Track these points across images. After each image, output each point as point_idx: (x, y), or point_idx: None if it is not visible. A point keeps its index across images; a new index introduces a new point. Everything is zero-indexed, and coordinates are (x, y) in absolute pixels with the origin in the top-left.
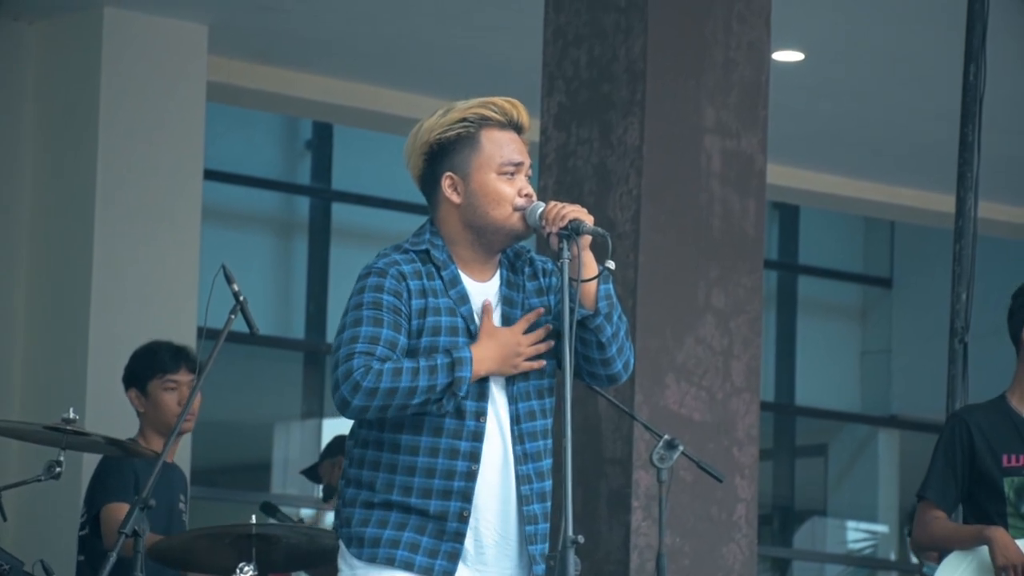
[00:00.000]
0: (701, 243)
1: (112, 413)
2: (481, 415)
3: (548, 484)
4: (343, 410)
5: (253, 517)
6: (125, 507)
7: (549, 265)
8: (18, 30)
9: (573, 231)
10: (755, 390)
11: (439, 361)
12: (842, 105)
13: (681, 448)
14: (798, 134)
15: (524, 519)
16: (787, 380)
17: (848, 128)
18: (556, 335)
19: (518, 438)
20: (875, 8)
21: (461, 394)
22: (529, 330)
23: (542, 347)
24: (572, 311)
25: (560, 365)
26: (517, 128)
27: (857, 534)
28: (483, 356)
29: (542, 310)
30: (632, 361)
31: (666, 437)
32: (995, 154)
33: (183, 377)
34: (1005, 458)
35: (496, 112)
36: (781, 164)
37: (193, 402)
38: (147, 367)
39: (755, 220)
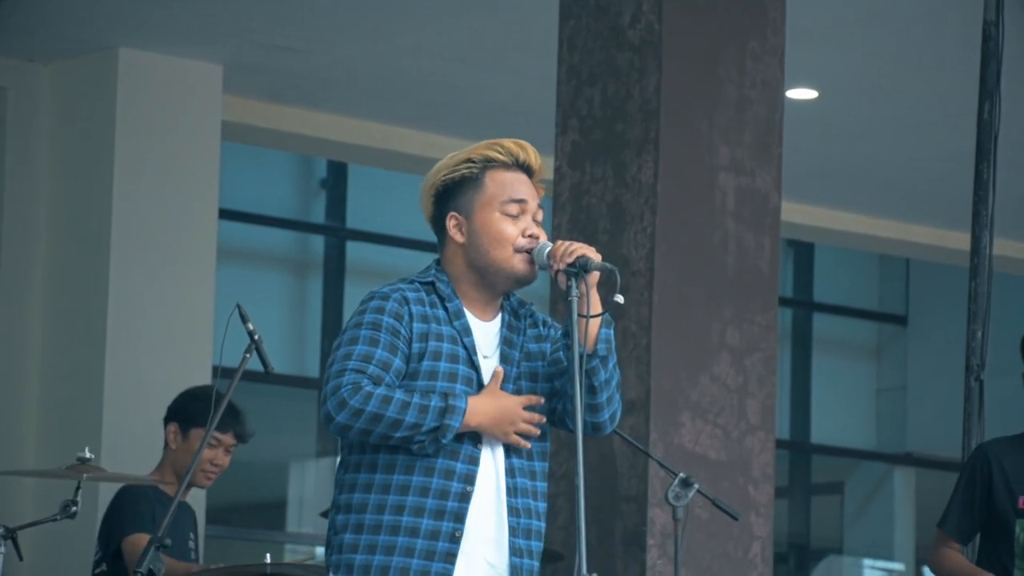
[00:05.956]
0: (716, 281)
1: (128, 452)
2: (478, 442)
3: (536, 524)
4: (327, 424)
5: (267, 556)
6: (146, 537)
7: (549, 319)
8: (33, 71)
9: (581, 268)
10: (770, 428)
11: (432, 403)
12: (857, 142)
13: (696, 486)
14: (812, 172)
15: (512, 551)
16: (802, 418)
17: (863, 165)
18: (549, 380)
19: (509, 471)
20: (889, 45)
21: (444, 441)
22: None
23: (534, 430)
24: (581, 355)
25: (552, 412)
26: (526, 169)
27: (873, 572)
28: (478, 410)
29: (543, 400)
30: (619, 415)
31: (681, 475)
32: (1010, 192)
33: (227, 439)
34: (1022, 500)
35: (501, 153)
36: (796, 202)
37: (212, 456)
38: (200, 414)
39: (770, 258)
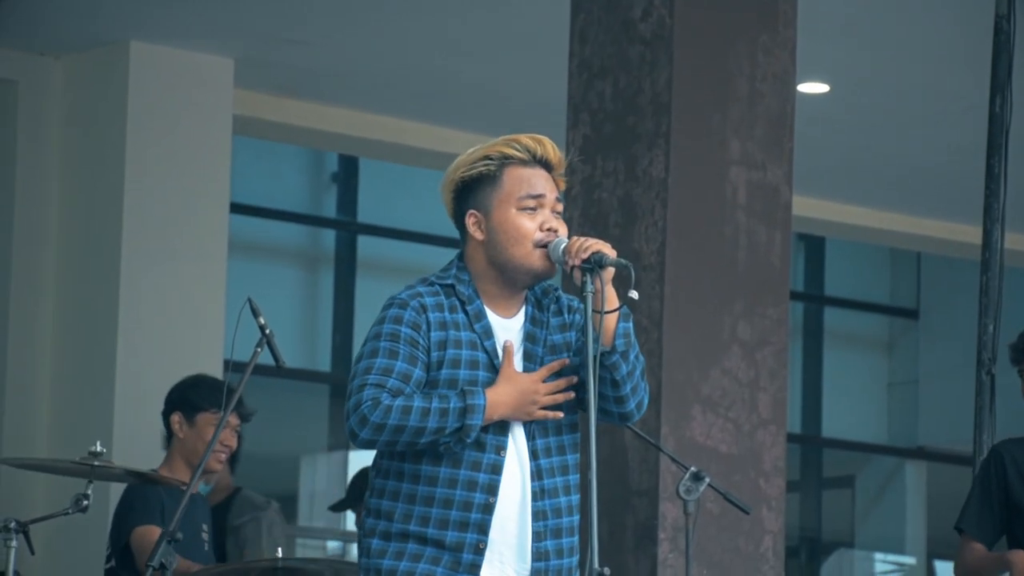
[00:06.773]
0: (727, 275)
1: (139, 446)
2: (501, 448)
3: (566, 520)
4: (352, 441)
5: (279, 551)
6: (154, 529)
7: (575, 303)
8: (44, 65)
9: (596, 263)
10: (781, 422)
11: (452, 405)
12: (868, 136)
13: (707, 480)
14: (824, 166)
15: (535, 556)
16: (814, 412)
17: (874, 159)
18: (575, 371)
19: (535, 474)
20: (900, 39)
21: (469, 440)
22: (552, 379)
23: (559, 397)
24: (596, 342)
25: (580, 402)
26: (544, 164)
27: (885, 566)
28: (498, 401)
29: (566, 360)
30: (646, 402)
31: (692, 469)
32: (1021, 185)
33: (233, 420)
34: None
35: (519, 150)
36: (807, 196)
37: (220, 436)
38: (203, 398)
39: (781, 252)
